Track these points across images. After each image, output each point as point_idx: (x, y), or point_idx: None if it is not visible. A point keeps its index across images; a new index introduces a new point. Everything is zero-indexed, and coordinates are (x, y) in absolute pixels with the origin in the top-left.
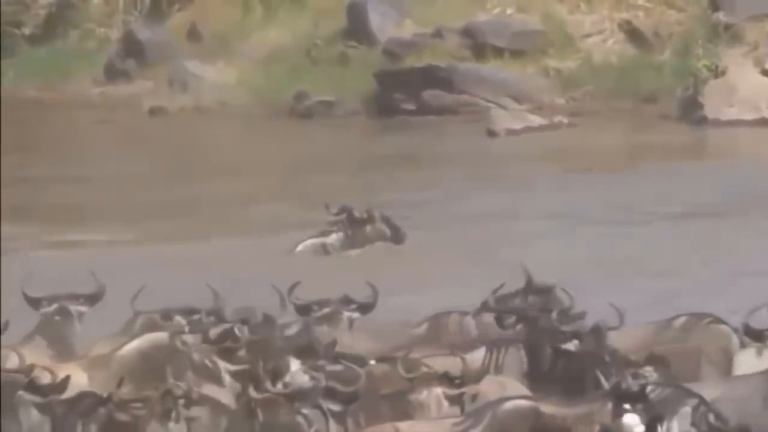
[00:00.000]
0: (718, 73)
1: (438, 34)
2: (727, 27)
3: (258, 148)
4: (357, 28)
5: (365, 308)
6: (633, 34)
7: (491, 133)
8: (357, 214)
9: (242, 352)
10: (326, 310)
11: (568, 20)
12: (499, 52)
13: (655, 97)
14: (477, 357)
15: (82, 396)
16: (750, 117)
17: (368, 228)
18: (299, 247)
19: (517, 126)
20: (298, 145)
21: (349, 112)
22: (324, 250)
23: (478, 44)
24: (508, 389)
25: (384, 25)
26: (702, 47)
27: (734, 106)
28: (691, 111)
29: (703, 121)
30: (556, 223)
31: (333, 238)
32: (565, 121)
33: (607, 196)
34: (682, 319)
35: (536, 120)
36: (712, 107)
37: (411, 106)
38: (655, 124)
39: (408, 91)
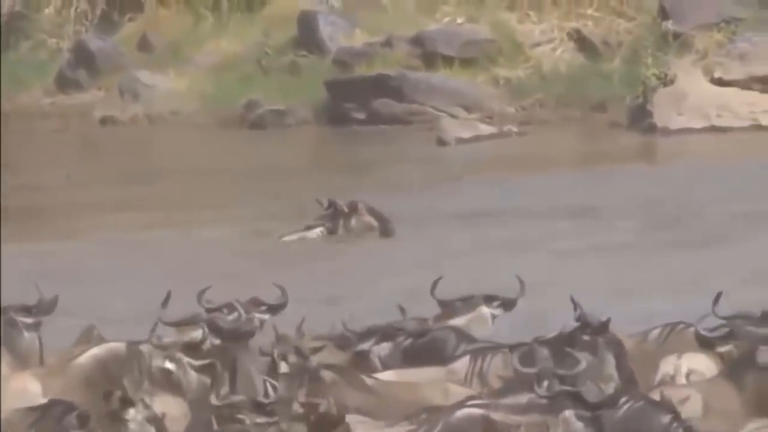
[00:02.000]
0: (667, 81)
1: (388, 43)
2: (677, 35)
3: (209, 157)
4: (308, 38)
5: (275, 309)
6: (582, 42)
7: (441, 142)
8: (339, 206)
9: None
10: (235, 314)
11: (517, 29)
12: (449, 61)
13: (605, 105)
14: (460, 366)
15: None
16: (699, 125)
17: (353, 221)
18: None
19: (467, 135)
20: (249, 154)
21: (300, 121)
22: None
23: (428, 53)
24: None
25: (334, 34)
26: (651, 56)
27: (683, 115)
28: (640, 119)
29: (652, 129)
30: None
31: (314, 233)
32: (515, 129)
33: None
34: (657, 331)
35: (486, 129)
36: (662, 115)
37: (361, 116)
38: (605, 133)
39: (358, 101)
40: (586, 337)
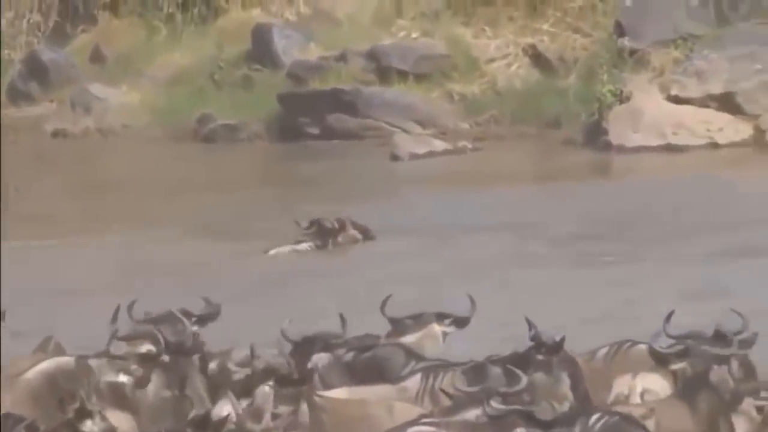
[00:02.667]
0: (623, 98)
1: (343, 57)
2: (633, 52)
3: (160, 171)
4: (262, 51)
5: (204, 320)
6: (538, 58)
7: (395, 158)
8: (328, 224)
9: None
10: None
11: (472, 44)
12: (403, 76)
13: (560, 122)
14: (412, 384)
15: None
16: (655, 143)
17: (340, 237)
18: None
19: (421, 150)
20: (201, 168)
21: (252, 136)
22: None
23: (382, 68)
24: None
25: (289, 48)
26: (607, 72)
27: (639, 132)
28: (595, 136)
29: (607, 146)
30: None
31: (304, 246)
32: (469, 145)
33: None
34: (604, 350)
35: (440, 145)
36: (617, 133)
37: (315, 130)
38: (560, 150)
39: (312, 115)
40: (540, 357)
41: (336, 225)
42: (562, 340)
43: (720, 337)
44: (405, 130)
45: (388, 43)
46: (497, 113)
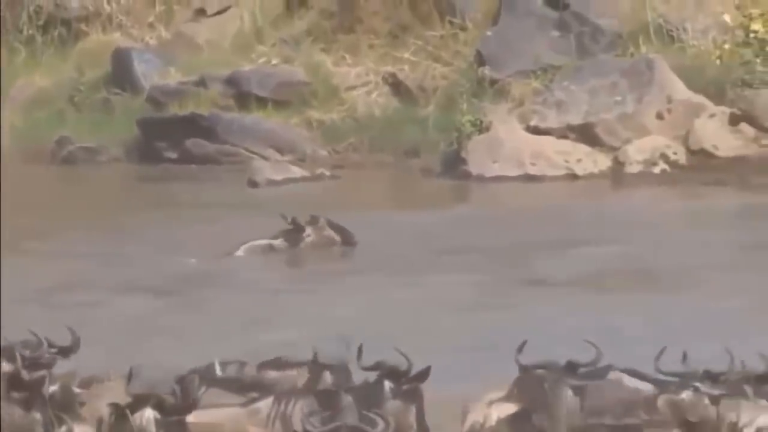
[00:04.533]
0: (482, 128)
1: (202, 82)
2: (493, 82)
3: (18, 193)
4: (121, 75)
5: (66, 351)
6: (398, 87)
7: (252, 184)
8: (300, 221)
9: None
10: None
11: (333, 72)
12: (262, 102)
13: (418, 151)
14: (264, 406)
15: None
16: (513, 173)
17: (312, 236)
18: (242, 248)
19: (279, 177)
20: (58, 190)
21: (111, 159)
22: (271, 250)
23: (242, 94)
24: None
25: (149, 72)
26: (467, 102)
27: (498, 162)
28: (454, 166)
29: (466, 176)
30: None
31: (280, 242)
32: (327, 173)
33: None
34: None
35: (298, 171)
36: (476, 163)
37: (173, 155)
38: (418, 179)
39: (170, 139)
40: (390, 385)
41: (307, 220)
42: (409, 369)
43: (571, 368)
44: (263, 157)
45: (247, 69)
46: (356, 141)
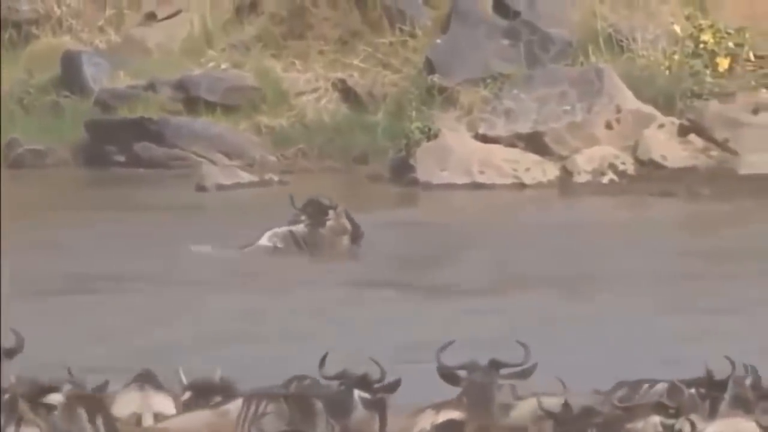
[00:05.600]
0: (431, 135)
1: (151, 86)
2: (442, 90)
3: None
4: (71, 78)
5: (10, 353)
6: (347, 93)
7: (201, 188)
8: (325, 201)
9: None
10: None
11: (282, 78)
12: (211, 106)
13: (367, 157)
14: (234, 408)
15: None
16: (462, 181)
17: (332, 220)
18: (266, 235)
19: (227, 182)
20: (6, 193)
21: (58, 162)
22: (293, 238)
23: (191, 98)
24: None
25: (98, 75)
26: (416, 109)
27: (446, 170)
28: (403, 173)
29: (414, 183)
30: None
31: (300, 228)
32: (276, 178)
33: None
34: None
35: (246, 176)
36: (424, 170)
37: (122, 158)
38: (366, 185)
39: (119, 143)
40: (360, 394)
41: (330, 203)
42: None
43: (495, 366)
44: (212, 161)
45: (197, 74)
46: (305, 147)
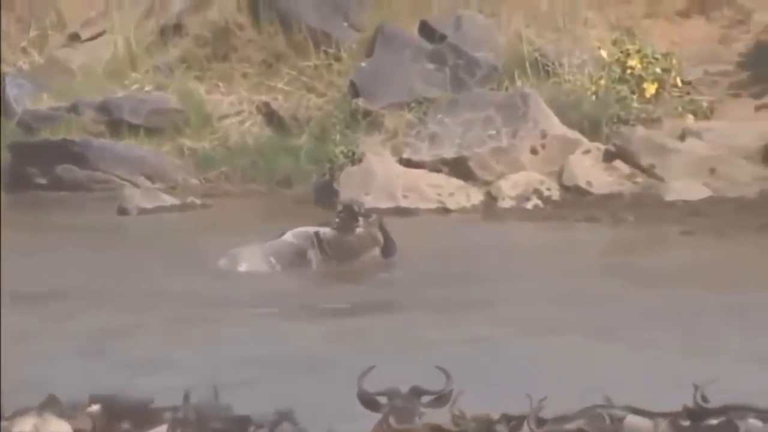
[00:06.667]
0: (355, 160)
1: (74, 108)
2: (366, 113)
3: None
4: None
5: None
6: (271, 116)
7: (123, 211)
8: (355, 207)
9: None
10: None
11: (206, 100)
12: (135, 129)
13: (291, 181)
14: None
15: None
16: (385, 205)
17: (362, 227)
18: (287, 234)
19: (149, 205)
20: None
21: None
22: (317, 239)
23: (114, 120)
24: None
25: (21, 97)
26: (340, 133)
27: (370, 194)
28: (326, 197)
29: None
30: None
31: (328, 231)
32: (198, 201)
33: None
34: None
35: (169, 200)
36: (348, 194)
37: (43, 180)
38: (290, 209)
39: (41, 165)
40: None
41: (360, 210)
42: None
43: (416, 393)
44: (134, 184)
45: (120, 96)
46: (228, 170)
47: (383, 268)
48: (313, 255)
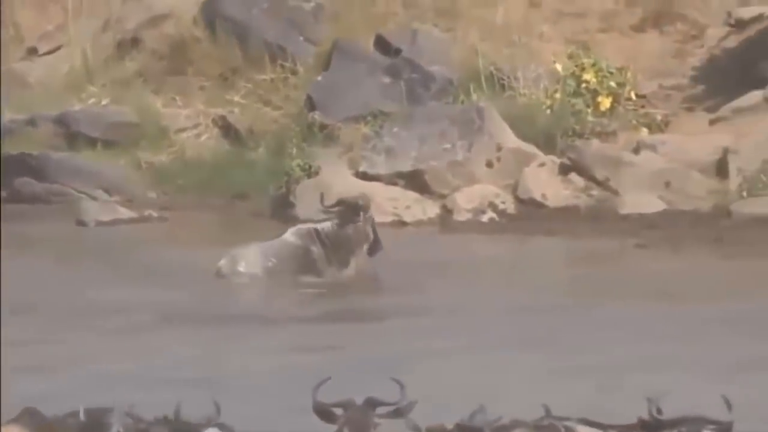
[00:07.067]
0: (311, 173)
1: (32, 121)
2: (323, 127)
3: None
4: None
5: None
6: (227, 129)
7: (81, 224)
8: (353, 201)
9: None
10: None
11: (162, 113)
12: (92, 142)
13: (247, 194)
14: None
15: None
16: None
17: (359, 221)
18: (286, 233)
19: (107, 218)
20: None
21: None
22: (317, 236)
23: (71, 133)
24: None
25: None
26: (296, 146)
27: None
28: (283, 209)
29: (294, 220)
30: None
31: (327, 225)
32: (155, 214)
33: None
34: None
35: (126, 212)
36: (305, 207)
37: (2, 194)
38: (247, 222)
39: None
40: None
41: (361, 203)
42: None
43: (371, 405)
44: (92, 197)
45: (77, 109)
46: (185, 183)
47: (339, 279)
48: (316, 250)
